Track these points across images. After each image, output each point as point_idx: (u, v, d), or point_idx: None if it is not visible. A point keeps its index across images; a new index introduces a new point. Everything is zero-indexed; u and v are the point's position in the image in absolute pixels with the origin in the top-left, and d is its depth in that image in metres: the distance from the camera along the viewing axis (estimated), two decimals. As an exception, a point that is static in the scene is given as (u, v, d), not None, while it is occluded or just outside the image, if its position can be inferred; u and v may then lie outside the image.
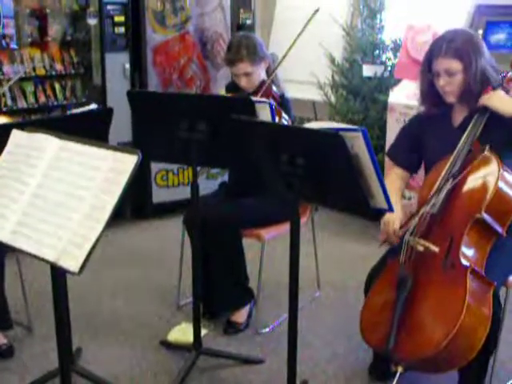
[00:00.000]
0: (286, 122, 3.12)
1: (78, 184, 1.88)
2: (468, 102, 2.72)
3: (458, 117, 2.79)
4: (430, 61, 2.72)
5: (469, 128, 2.64)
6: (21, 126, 2.14)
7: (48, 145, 2.00)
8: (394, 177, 2.94)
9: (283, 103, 3.32)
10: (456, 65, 2.65)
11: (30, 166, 2.00)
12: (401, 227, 2.66)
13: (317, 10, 3.17)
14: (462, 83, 2.67)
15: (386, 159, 4.35)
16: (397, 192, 2.86)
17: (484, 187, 2.53)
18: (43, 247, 1.83)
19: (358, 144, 2.06)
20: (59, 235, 1.81)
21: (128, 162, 1.81)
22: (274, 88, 3.33)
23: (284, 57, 3.21)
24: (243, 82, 3.38)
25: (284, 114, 3.08)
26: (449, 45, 2.65)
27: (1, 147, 2.13)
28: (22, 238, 1.89)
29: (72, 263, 1.75)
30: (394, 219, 2.69)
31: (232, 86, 3.55)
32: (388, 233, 2.70)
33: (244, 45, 3.34)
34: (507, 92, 2.69)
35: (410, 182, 3.20)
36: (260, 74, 3.39)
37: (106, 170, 1.84)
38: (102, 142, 1.94)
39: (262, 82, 3.34)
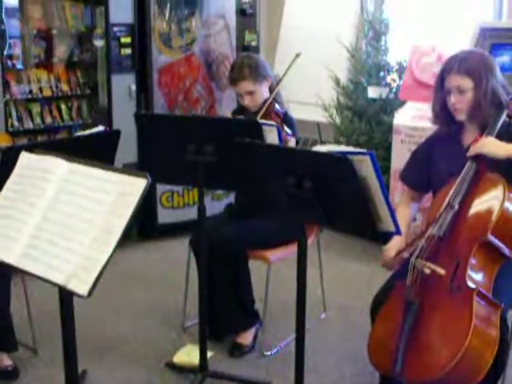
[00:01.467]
0: (289, 136, 3.15)
1: (87, 207, 1.88)
2: (478, 120, 2.74)
3: (469, 137, 2.79)
4: (443, 79, 2.74)
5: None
6: (30, 148, 2.15)
7: (57, 167, 2.01)
8: (406, 204, 2.97)
9: (287, 120, 3.35)
10: (467, 82, 2.66)
11: (39, 188, 2.00)
12: (399, 252, 2.70)
13: (298, 55, 3.27)
14: (473, 101, 2.68)
15: (393, 181, 4.38)
16: (404, 221, 2.88)
17: (490, 209, 2.52)
18: (52, 270, 1.83)
19: (365, 167, 2.07)
20: (68, 258, 1.81)
21: (137, 186, 1.81)
22: (277, 106, 3.36)
23: (283, 76, 3.31)
24: (247, 101, 3.41)
25: (286, 128, 3.11)
26: (461, 63, 2.68)
27: (10, 169, 2.14)
28: (30, 261, 1.89)
29: (81, 286, 1.75)
30: (390, 247, 2.73)
31: (238, 111, 3.57)
32: (385, 259, 2.77)
33: (246, 64, 3.39)
34: (512, 113, 2.71)
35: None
36: (263, 92, 3.42)
37: (115, 194, 1.84)
38: (110, 165, 1.95)
39: (265, 101, 3.37)
